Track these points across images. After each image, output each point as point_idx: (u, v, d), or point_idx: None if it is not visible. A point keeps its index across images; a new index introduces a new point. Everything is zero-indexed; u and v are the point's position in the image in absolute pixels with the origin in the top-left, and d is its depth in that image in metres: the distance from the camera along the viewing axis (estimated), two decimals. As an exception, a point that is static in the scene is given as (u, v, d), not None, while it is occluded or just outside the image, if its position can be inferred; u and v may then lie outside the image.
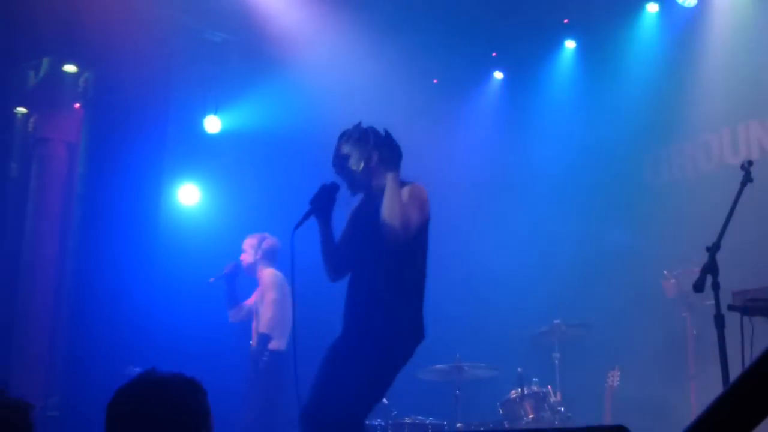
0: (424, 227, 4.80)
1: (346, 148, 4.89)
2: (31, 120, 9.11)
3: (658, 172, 9.04)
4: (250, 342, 7.42)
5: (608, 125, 9.07)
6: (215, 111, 9.18)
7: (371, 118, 8.94)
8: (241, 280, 7.56)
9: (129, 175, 8.16)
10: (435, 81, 9.94)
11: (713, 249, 4.11)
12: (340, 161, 4.89)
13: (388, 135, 4.72)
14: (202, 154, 9.26)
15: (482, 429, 7.29)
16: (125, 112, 8.22)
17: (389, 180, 4.59)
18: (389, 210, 4.58)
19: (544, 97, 9.70)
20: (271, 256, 7.49)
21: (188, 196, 9.33)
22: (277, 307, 7.21)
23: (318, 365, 4.68)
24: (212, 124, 9.17)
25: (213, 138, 9.23)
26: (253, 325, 7.40)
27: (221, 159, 9.27)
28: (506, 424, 7.25)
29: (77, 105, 8.84)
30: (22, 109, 9.18)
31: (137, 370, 7.19)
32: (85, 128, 8.64)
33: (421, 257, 4.85)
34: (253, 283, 7.57)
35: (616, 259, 8.44)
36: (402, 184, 4.77)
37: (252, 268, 7.49)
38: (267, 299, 7.28)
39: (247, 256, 7.49)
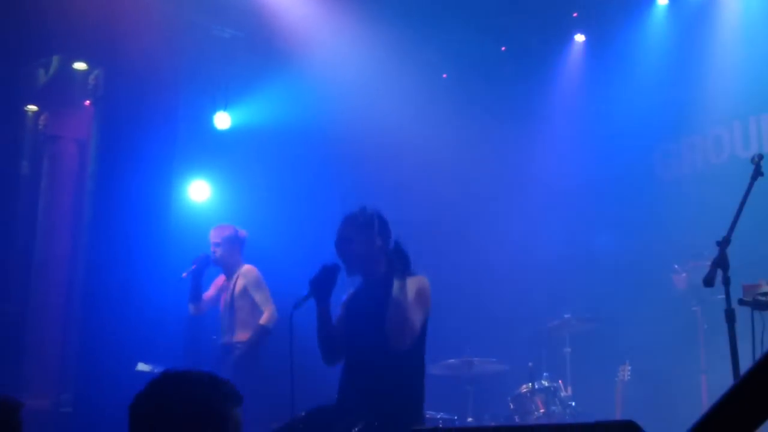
0: (426, 322, 4.80)
1: (350, 232, 4.90)
2: (42, 118, 9.14)
3: (669, 165, 9.02)
4: (226, 337, 7.36)
5: (618, 119, 9.05)
6: (225, 107, 9.19)
7: (379, 113, 9.02)
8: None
9: (139, 172, 8.19)
10: (444, 75, 9.93)
11: (723, 243, 4.10)
12: (342, 244, 4.90)
13: (398, 245, 4.74)
14: (212, 151, 9.28)
15: (493, 423, 7.29)
16: (135, 109, 8.24)
17: (397, 288, 4.57)
18: (396, 322, 4.58)
19: (555, 89, 9.67)
20: (244, 249, 7.49)
21: (199, 192, 9.34)
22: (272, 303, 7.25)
23: None
24: (222, 120, 9.19)
25: (223, 134, 9.24)
26: (225, 317, 7.37)
27: (231, 155, 9.28)
28: (517, 419, 7.25)
29: (87, 102, 8.87)
30: (32, 107, 9.21)
31: (149, 366, 7.24)
32: (95, 125, 8.66)
33: (420, 347, 4.83)
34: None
35: (627, 253, 8.42)
36: (402, 271, 4.77)
37: (229, 262, 7.44)
38: (262, 295, 7.29)
39: (223, 250, 7.42)
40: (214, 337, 7.57)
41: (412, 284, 4.72)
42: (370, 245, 4.85)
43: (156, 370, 7.29)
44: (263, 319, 7.22)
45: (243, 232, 7.57)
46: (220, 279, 7.62)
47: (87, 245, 8.41)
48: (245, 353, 7.16)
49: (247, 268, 7.41)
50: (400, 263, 4.67)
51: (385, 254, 4.79)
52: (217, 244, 7.44)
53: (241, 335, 7.29)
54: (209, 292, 7.55)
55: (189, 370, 2.38)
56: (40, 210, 8.95)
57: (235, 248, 7.48)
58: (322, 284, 4.80)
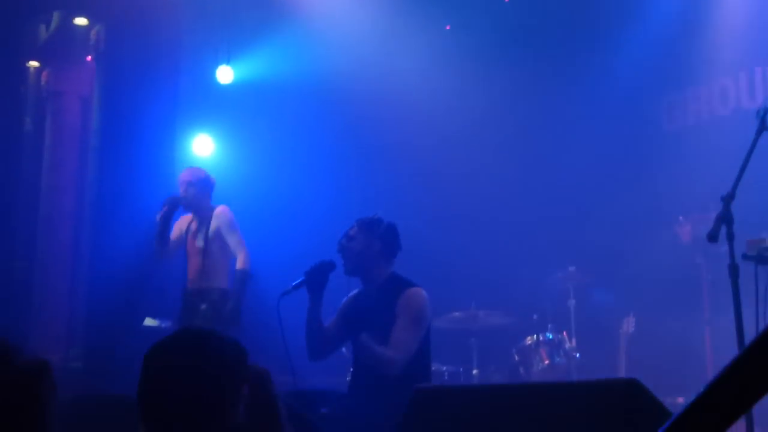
0: (425, 335, 4.81)
1: (355, 230, 4.96)
2: (44, 74, 9.12)
3: (673, 117, 8.98)
4: (200, 282, 7.03)
5: (623, 70, 8.98)
6: (227, 61, 9.13)
7: (384, 65, 8.97)
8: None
9: (143, 127, 8.18)
10: (448, 27, 9.84)
11: (728, 198, 4.09)
12: (344, 240, 4.95)
13: (391, 226, 4.90)
14: (215, 105, 9.24)
15: (497, 375, 7.37)
16: (137, 64, 8.22)
17: (363, 340, 4.65)
18: (368, 356, 4.69)
19: (559, 41, 9.59)
20: (213, 194, 7.29)
21: (203, 147, 9.34)
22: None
23: None
24: (225, 74, 9.13)
25: (226, 88, 9.20)
26: (196, 261, 7.09)
27: (234, 109, 9.25)
28: (521, 371, 7.32)
29: (89, 58, 8.84)
30: (34, 63, 9.18)
31: (156, 321, 7.28)
32: (97, 81, 8.65)
33: (422, 357, 4.85)
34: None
35: (631, 206, 8.41)
36: (401, 281, 4.86)
37: (201, 204, 7.16)
38: (236, 238, 7.04)
39: (196, 191, 7.13)
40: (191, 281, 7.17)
41: (408, 301, 4.76)
42: (369, 247, 4.89)
43: (163, 325, 7.36)
44: (242, 263, 6.96)
45: (212, 175, 7.34)
46: (184, 222, 7.27)
47: (92, 200, 8.45)
48: (236, 304, 6.91)
49: (221, 209, 7.12)
50: (389, 243, 4.81)
51: (387, 261, 4.89)
52: (190, 184, 7.13)
53: (218, 280, 7.05)
54: (173, 235, 7.17)
55: (207, 330, 2.40)
56: (44, 165, 8.98)
57: (207, 191, 7.20)
58: (316, 277, 4.84)
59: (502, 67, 9.44)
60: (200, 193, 7.15)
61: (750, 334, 3.90)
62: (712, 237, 4.01)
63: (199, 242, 7.10)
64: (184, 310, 7.04)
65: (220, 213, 7.10)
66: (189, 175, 7.23)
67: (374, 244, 4.89)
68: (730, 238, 4.10)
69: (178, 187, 7.19)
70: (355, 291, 5.11)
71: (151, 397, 2.28)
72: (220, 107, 9.20)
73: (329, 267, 4.87)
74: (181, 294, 7.19)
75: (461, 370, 7.20)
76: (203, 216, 7.15)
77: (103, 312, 7.67)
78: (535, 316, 7.57)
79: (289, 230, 8.39)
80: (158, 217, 7.00)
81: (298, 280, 4.86)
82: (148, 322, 7.42)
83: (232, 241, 7.03)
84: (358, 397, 4.82)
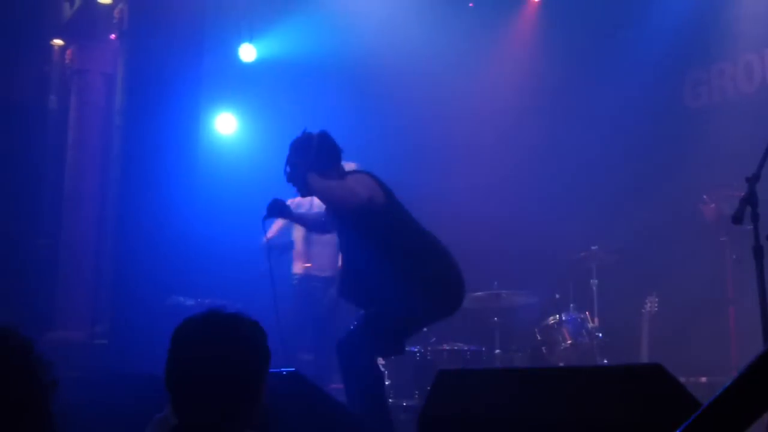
0: (380, 197, 4.90)
1: (290, 155, 5.04)
2: (68, 52, 9.15)
3: (698, 94, 8.88)
4: (329, 271, 7.41)
5: (646, 47, 8.90)
6: (250, 39, 9.13)
7: (407, 44, 8.94)
8: None
9: (167, 105, 8.19)
10: (471, 4, 9.79)
11: (753, 180, 4.06)
12: (287, 169, 5.04)
13: (322, 136, 5.04)
14: (238, 83, 9.26)
15: (519, 354, 7.38)
16: (161, 42, 8.21)
17: (311, 181, 4.88)
18: (323, 195, 4.95)
19: (581, 18, 9.51)
20: None
21: (226, 125, 9.37)
22: None
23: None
24: (247, 52, 9.14)
25: (248, 66, 9.21)
26: (321, 244, 7.33)
27: (257, 87, 9.27)
28: (544, 350, 7.33)
29: (113, 36, 8.86)
30: (58, 41, 9.21)
31: (182, 298, 7.33)
32: (121, 59, 8.66)
33: (402, 223, 4.98)
34: None
35: (655, 184, 8.36)
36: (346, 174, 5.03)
37: None
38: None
39: None
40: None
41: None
42: (308, 164, 4.94)
43: (188, 303, 7.41)
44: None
45: None
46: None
47: (116, 178, 8.48)
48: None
49: None
50: (324, 155, 4.96)
51: (332, 168, 5.01)
52: None
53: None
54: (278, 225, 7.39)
55: (235, 312, 2.43)
56: (69, 144, 9.02)
57: None
58: (275, 213, 5.18)
59: (525, 46, 9.40)
60: None
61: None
62: (737, 219, 3.99)
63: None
64: (304, 297, 7.47)
65: None
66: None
67: (312, 159, 4.92)
68: (755, 219, 4.07)
69: None
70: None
71: (181, 380, 2.32)
72: (243, 85, 9.22)
73: (279, 204, 5.16)
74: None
75: (483, 349, 7.21)
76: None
77: (128, 290, 7.72)
78: (557, 296, 7.56)
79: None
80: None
81: (264, 220, 5.22)
82: (174, 299, 7.48)
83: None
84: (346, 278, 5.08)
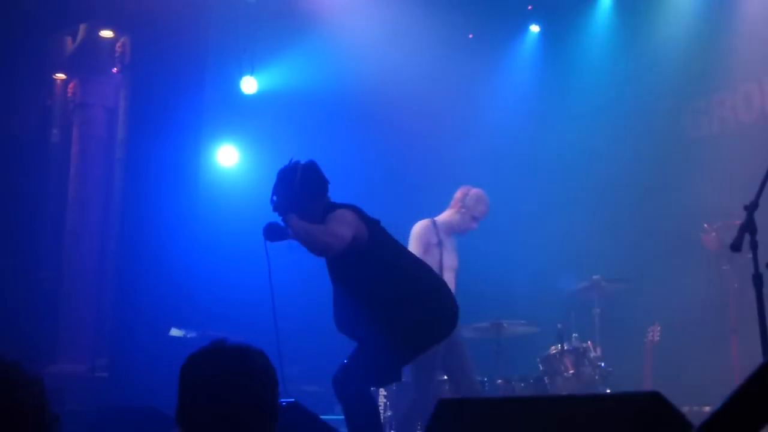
0: (363, 234, 4.83)
1: (275, 185, 4.99)
2: (70, 86, 9.22)
3: (698, 124, 8.92)
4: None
5: (647, 77, 8.94)
6: (251, 72, 9.19)
7: (407, 75, 8.99)
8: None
9: (168, 138, 8.24)
10: (470, 36, 9.85)
11: (751, 207, 4.06)
12: (273, 199, 4.98)
13: (308, 166, 4.95)
14: (239, 116, 9.30)
15: (522, 385, 7.33)
16: (163, 75, 8.28)
17: (291, 224, 4.79)
18: (303, 240, 4.80)
19: (581, 50, 9.57)
20: None
21: (227, 157, 9.40)
22: None
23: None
24: (249, 85, 9.19)
25: (250, 99, 9.26)
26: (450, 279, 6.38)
27: (258, 119, 9.31)
28: (546, 380, 7.28)
29: (115, 70, 8.93)
30: (60, 75, 9.28)
31: (182, 331, 7.32)
32: (123, 92, 8.73)
33: (386, 255, 4.94)
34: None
35: (656, 213, 8.37)
36: (331, 206, 4.92)
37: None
38: None
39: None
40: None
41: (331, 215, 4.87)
42: (293, 194, 4.88)
43: (189, 336, 7.41)
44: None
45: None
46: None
47: (118, 211, 8.51)
48: None
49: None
50: (309, 186, 4.88)
51: (317, 199, 4.93)
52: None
53: None
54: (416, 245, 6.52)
55: (238, 342, 2.42)
56: (71, 177, 9.06)
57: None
58: (272, 237, 4.94)
59: (525, 77, 9.45)
60: None
61: (776, 344, 3.87)
62: (736, 247, 3.98)
63: (450, 259, 6.73)
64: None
65: None
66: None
67: (296, 189, 4.89)
68: (754, 247, 4.06)
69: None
70: None
71: (196, 413, 2.31)
72: (244, 117, 9.26)
73: (274, 227, 4.95)
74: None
75: (485, 379, 7.16)
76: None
77: (129, 323, 7.73)
78: (559, 325, 7.52)
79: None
80: None
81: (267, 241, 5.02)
82: (174, 332, 7.47)
83: None
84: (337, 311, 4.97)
